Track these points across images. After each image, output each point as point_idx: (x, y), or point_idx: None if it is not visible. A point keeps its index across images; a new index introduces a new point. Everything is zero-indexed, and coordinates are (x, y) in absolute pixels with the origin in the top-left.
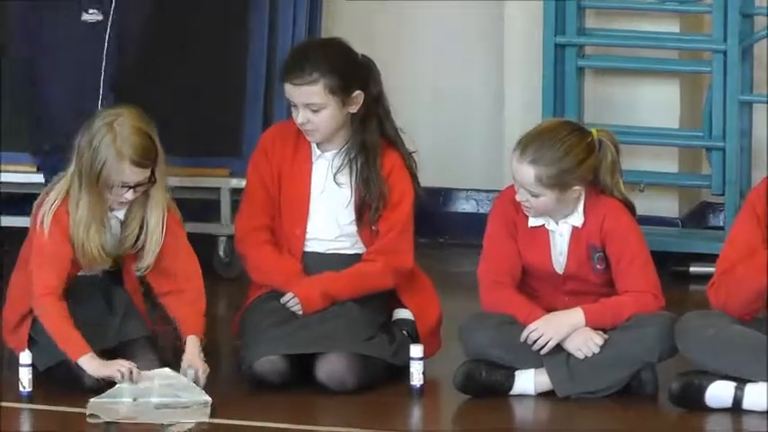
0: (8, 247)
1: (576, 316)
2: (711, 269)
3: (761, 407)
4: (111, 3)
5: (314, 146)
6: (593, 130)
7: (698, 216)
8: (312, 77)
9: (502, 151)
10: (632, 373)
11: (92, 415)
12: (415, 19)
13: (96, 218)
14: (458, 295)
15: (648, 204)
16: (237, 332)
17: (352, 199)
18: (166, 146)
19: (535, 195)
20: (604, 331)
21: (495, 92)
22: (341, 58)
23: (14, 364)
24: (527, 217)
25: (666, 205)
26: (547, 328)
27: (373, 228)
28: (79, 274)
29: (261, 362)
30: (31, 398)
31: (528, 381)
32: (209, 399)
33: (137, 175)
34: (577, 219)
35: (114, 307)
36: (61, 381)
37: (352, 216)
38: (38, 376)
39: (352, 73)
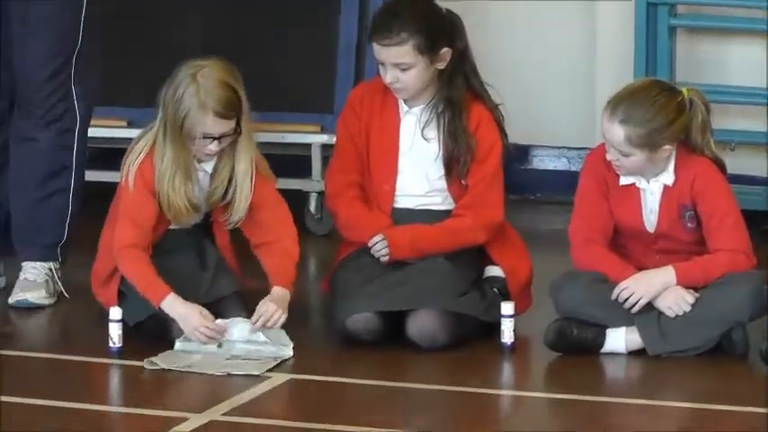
0: (101, 202)
1: (666, 274)
2: None
3: None
4: None
5: (401, 102)
6: (684, 90)
7: None
8: (401, 38)
9: (594, 109)
10: (723, 332)
11: (150, 361)
12: None
13: (181, 169)
14: (548, 253)
15: (738, 163)
16: (328, 290)
17: (440, 153)
18: (258, 101)
19: (625, 155)
20: (695, 290)
21: (588, 50)
22: (428, 16)
23: (104, 320)
24: (618, 175)
25: (756, 164)
26: (638, 287)
27: (462, 182)
28: (170, 228)
29: (353, 319)
30: (121, 353)
31: (619, 339)
32: (289, 353)
33: (220, 126)
34: (668, 177)
35: (206, 262)
36: (150, 336)
37: (441, 171)
38: (127, 332)
39: (439, 30)
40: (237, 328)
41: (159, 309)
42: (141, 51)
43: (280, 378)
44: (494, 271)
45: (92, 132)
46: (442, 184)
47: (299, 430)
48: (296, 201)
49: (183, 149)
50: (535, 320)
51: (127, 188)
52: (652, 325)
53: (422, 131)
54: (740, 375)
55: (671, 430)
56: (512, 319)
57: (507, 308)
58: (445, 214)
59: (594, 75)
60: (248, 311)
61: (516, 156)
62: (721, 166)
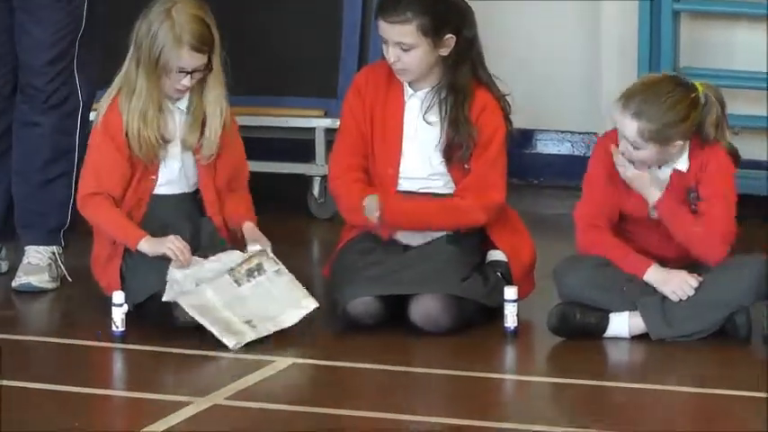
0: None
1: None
2: None
3: None
4: None
5: (406, 85)
6: (699, 86)
7: None
8: (406, 16)
9: (599, 94)
10: (726, 316)
11: (183, 312)
12: None
13: (154, 103)
14: (551, 238)
15: (741, 148)
16: (330, 274)
17: (441, 139)
18: (261, 85)
19: (636, 148)
20: (699, 274)
21: (592, 35)
22: (437, 0)
23: (107, 304)
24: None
25: (759, 149)
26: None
27: (466, 166)
28: (160, 193)
29: (355, 303)
30: (123, 337)
31: (622, 323)
32: (313, 304)
33: (195, 60)
34: (683, 164)
35: (200, 237)
36: (153, 319)
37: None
38: (129, 316)
39: (445, 15)
40: (235, 255)
41: (137, 251)
42: None
43: (283, 362)
44: (497, 255)
45: (93, 116)
46: (444, 167)
47: (302, 414)
48: (299, 185)
49: (157, 85)
50: (538, 305)
51: (93, 141)
52: (655, 309)
53: (424, 115)
54: (743, 359)
55: (674, 414)
56: (515, 304)
57: (510, 292)
58: (447, 198)
59: (599, 59)
60: None
61: (519, 140)
62: (735, 157)
